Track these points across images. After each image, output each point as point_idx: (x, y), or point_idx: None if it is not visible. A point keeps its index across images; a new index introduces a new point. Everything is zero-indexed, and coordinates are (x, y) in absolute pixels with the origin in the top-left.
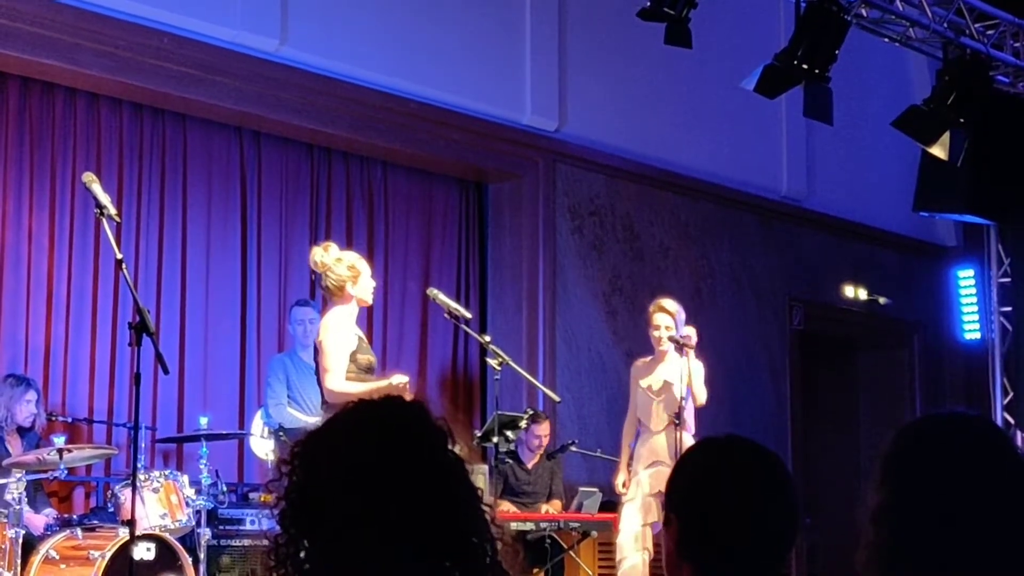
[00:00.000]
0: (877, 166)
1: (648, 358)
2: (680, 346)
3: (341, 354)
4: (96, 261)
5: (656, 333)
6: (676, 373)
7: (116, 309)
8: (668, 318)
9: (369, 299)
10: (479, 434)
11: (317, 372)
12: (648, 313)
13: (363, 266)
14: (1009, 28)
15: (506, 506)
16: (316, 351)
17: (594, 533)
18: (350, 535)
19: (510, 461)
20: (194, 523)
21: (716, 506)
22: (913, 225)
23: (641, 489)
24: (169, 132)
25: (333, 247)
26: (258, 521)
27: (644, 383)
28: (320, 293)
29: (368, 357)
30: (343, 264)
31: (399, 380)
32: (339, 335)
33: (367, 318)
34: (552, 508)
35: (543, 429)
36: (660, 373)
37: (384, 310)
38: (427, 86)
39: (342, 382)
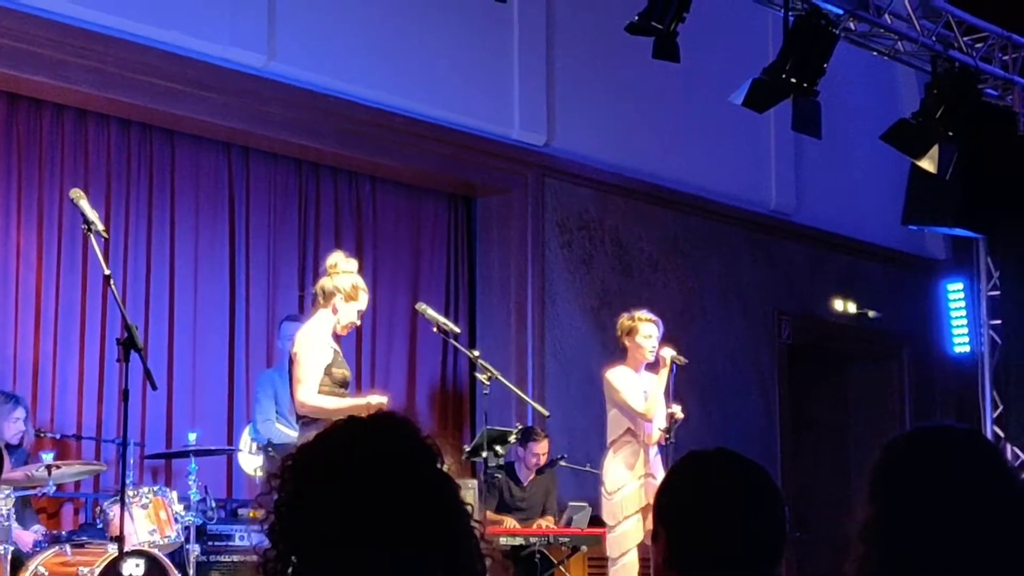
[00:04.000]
0: (866, 179)
1: (625, 368)
2: (661, 362)
3: (315, 366)
4: (84, 277)
5: (649, 344)
6: (656, 385)
7: (104, 325)
8: (657, 329)
9: (344, 327)
10: (468, 449)
11: (291, 383)
12: (631, 323)
13: (363, 297)
14: (997, 41)
15: (509, 522)
16: (291, 362)
17: (584, 548)
18: (338, 551)
19: (499, 477)
20: (183, 539)
21: (703, 519)
22: (902, 238)
23: (638, 502)
24: (157, 148)
25: (355, 263)
26: (247, 537)
27: (641, 394)
28: (308, 309)
29: (343, 371)
30: (349, 279)
31: (377, 400)
32: (314, 347)
33: (356, 331)
34: (545, 522)
35: (541, 448)
36: (644, 384)
37: (373, 325)
38: (415, 101)
39: (314, 395)
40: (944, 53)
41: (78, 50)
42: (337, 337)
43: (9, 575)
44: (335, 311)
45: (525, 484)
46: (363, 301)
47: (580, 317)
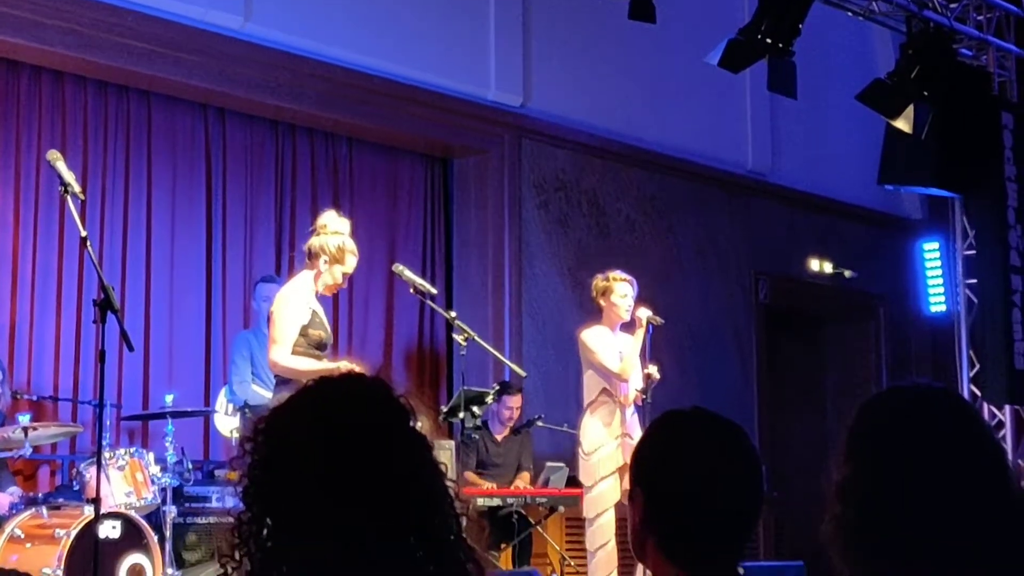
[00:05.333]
0: (842, 139)
1: (600, 328)
2: (637, 322)
3: (291, 327)
4: (61, 239)
5: (624, 303)
6: (631, 345)
7: (81, 287)
8: (632, 289)
9: (328, 288)
10: (445, 410)
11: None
12: (606, 284)
13: (350, 259)
14: (972, 1)
15: (487, 484)
16: (269, 321)
17: (561, 508)
18: (312, 512)
19: (476, 436)
20: (160, 501)
21: (680, 479)
22: (878, 198)
23: (615, 462)
24: (134, 109)
25: (347, 224)
26: (224, 499)
27: (616, 354)
28: (286, 272)
29: (319, 333)
30: (336, 240)
31: (347, 366)
32: (291, 307)
33: (333, 294)
34: (521, 481)
35: (515, 401)
36: (620, 345)
37: (350, 286)
38: (392, 62)
39: (287, 356)
40: (919, 13)
41: (55, 12)
42: (321, 297)
43: None
44: (318, 272)
45: (500, 440)
46: (350, 264)
47: (557, 278)
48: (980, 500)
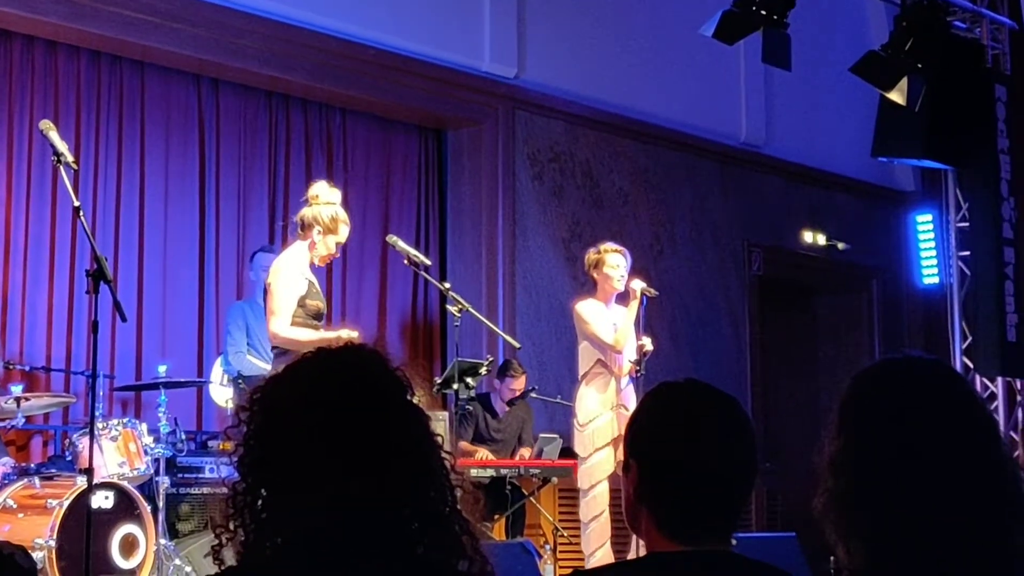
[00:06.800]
0: (835, 112)
1: (594, 301)
2: (631, 294)
3: (289, 298)
4: (53, 209)
5: (616, 273)
6: (625, 317)
7: (74, 257)
8: (625, 261)
9: (322, 258)
10: (439, 381)
11: (265, 314)
12: (597, 256)
13: (343, 229)
14: None
15: (482, 453)
16: (265, 292)
17: (555, 479)
18: (307, 483)
19: (470, 408)
20: (153, 471)
21: (674, 450)
22: (871, 170)
23: (609, 433)
24: (127, 80)
25: (338, 193)
26: (217, 469)
27: (610, 326)
28: (280, 243)
29: (317, 303)
30: (329, 211)
31: (348, 335)
32: (288, 278)
33: (327, 264)
34: (526, 455)
35: (519, 383)
36: (614, 317)
37: (344, 257)
38: (386, 33)
39: (287, 327)
40: None
41: None
42: (314, 268)
43: None
44: (312, 243)
45: (500, 415)
46: (343, 233)
47: (551, 249)
48: (973, 472)
